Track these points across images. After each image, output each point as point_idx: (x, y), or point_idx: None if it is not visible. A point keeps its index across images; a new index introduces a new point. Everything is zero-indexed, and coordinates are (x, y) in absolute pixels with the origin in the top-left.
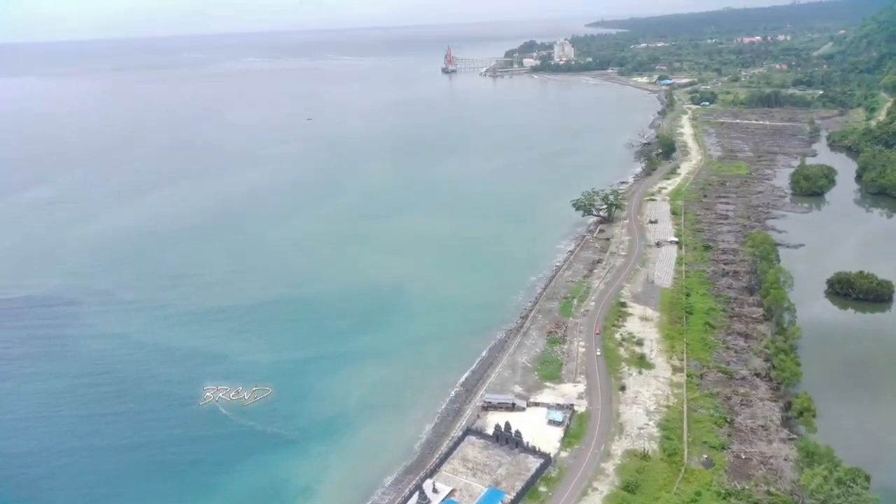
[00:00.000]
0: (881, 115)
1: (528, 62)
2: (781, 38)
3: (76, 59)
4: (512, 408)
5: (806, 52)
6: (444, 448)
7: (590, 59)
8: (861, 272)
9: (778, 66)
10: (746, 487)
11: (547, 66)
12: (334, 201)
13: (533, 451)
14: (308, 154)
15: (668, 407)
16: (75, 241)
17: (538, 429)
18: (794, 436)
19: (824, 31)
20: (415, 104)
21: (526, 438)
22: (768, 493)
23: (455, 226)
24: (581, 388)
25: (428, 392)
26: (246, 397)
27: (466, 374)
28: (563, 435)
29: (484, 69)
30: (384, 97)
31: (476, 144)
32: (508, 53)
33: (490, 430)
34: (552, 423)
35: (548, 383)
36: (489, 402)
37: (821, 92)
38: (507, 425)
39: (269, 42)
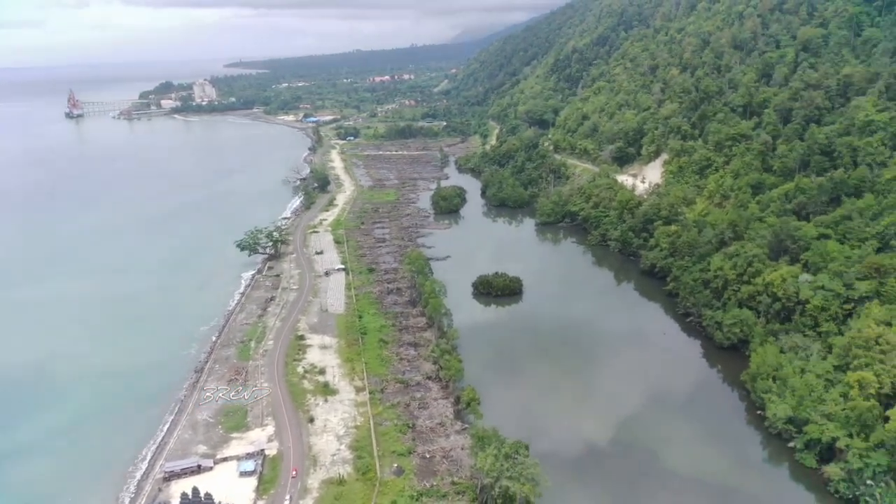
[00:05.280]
0: (493, 141)
1: (167, 103)
2: (406, 76)
3: None
4: (198, 470)
5: (428, 88)
6: None
7: (233, 99)
8: (497, 273)
9: (407, 102)
10: (434, 484)
11: (189, 107)
12: None
13: None
14: None
15: (356, 427)
16: None
17: (231, 484)
18: (466, 425)
19: (440, 71)
20: (36, 153)
21: (218, 499)
22: (453, 483)
23: (107, 285)
24: (270, 430)
25: (103, 478)
26: None
27: (150, 444)
28: (257, 484)
29: (117, 112)
30: None
31: (121, 192)
32: (143, 95)
33: (176, 502)
34: (244, 474)
35: (234, 434)
36: (171, 471)
37: (444, 123)
38: (196, 490)
39: None
